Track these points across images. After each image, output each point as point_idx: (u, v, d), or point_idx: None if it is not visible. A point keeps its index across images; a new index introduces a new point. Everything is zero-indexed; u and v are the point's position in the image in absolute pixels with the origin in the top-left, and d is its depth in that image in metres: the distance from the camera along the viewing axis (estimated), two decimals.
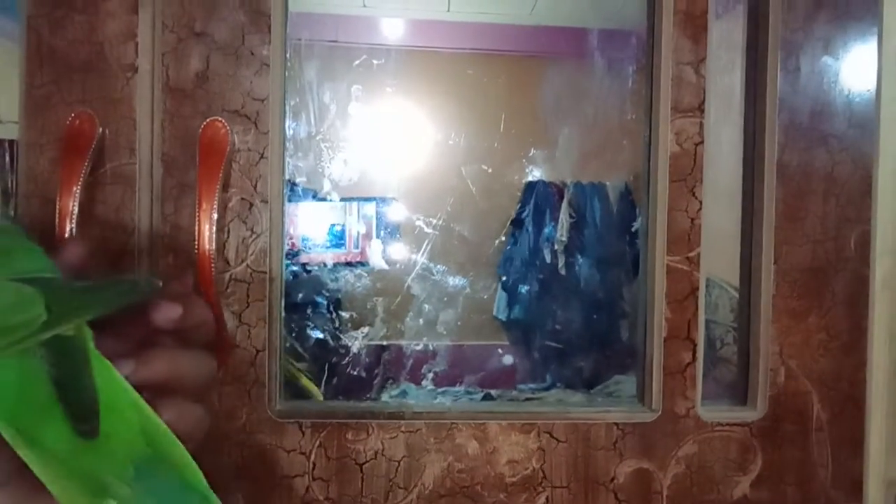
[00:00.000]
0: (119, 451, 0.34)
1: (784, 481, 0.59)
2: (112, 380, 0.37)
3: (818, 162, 0.58)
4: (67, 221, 0.50)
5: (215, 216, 0.53)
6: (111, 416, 0.35)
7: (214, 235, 0.52)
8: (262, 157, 0.55)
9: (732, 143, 0.61)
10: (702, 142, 0.58)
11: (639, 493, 0.58)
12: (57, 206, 0.50)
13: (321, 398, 0.59)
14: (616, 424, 0.58)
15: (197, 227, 0.52)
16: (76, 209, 0.50)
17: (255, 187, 0.55)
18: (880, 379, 0.59)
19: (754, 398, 0.59)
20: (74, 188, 0.51)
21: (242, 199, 0.55)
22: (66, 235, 0.51)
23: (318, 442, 0.56)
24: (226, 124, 0.54)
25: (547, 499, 0.57)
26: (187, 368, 0.47)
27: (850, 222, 0.59)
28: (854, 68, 0.58)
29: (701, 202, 0.58)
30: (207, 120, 0.54)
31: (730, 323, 0.67)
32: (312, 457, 0.56)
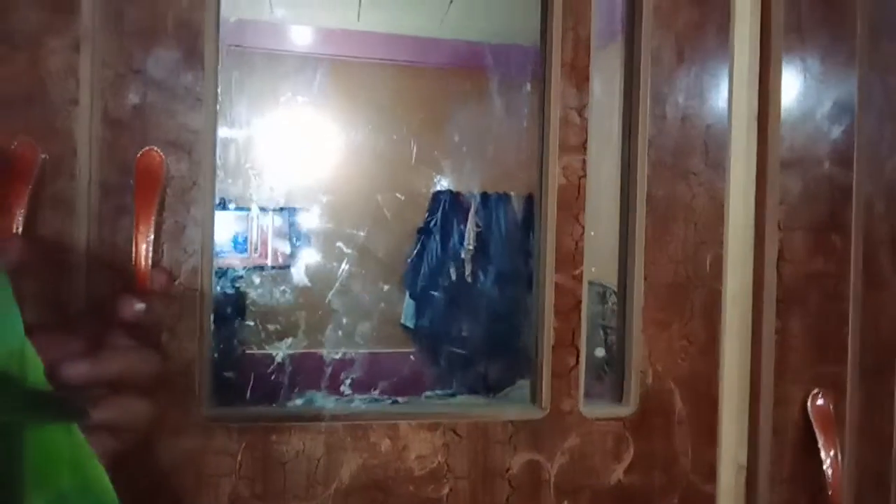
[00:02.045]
0: (45, 482, 0.38)
1: (652, 468, 0.68)
2: None
3: (680, 194, 0.69)
4: None
5: (151, 237, 0.58)
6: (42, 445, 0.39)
7: (151, 255, 0.57)
8: (194, 184, 0.61)
9: (612, 176, 0.70)
10: (584, 175, 0.67)
11: (529, 481, 0.66)
12: None
13: None
14: (511, 421, 0.66)
15: (134, 247, 0.57)
16: (20, 230, 0.54)
17: (188, 211, 0.61)
18: (732, 379, 0.70)
19: (627, 396, 0.69)
20: (17, 211, 0.55)
21: (176, 221, 0.61)
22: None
23: (244, 444, 0.62)
24: (161, 153, 0.60)
25: (450, 489, 0.65)
26: (137, 365, 0.52)
27: (705, 245, 0.69)
28: (709, 114, 0.69)
29: (583, 227, 0.67)
30: (144, 149, 0.59)
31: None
32: (239, 457, 0.62)
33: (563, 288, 0.67)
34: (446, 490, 0.65)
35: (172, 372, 0.61)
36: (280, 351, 0.68)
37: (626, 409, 0.68)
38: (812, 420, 0.67)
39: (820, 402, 0.67)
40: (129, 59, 0.60)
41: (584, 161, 0.67)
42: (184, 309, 0.61)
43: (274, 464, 0.62)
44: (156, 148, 0.60)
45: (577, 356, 0.67)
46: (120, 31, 0.60)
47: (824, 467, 0.66)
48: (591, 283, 0.70)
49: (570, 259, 0.67)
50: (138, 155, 0.59)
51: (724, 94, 0.69)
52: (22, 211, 0.56)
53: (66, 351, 0.53)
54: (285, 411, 0.64)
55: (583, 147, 0.67)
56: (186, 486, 0.61)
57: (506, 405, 0.67)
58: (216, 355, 0.64)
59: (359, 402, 0.66)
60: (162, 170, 0.59)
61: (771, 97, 0.69)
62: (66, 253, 0.59)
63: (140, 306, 0.53)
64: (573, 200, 0.67)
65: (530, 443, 0.66)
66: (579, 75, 0.67)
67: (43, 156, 0.58)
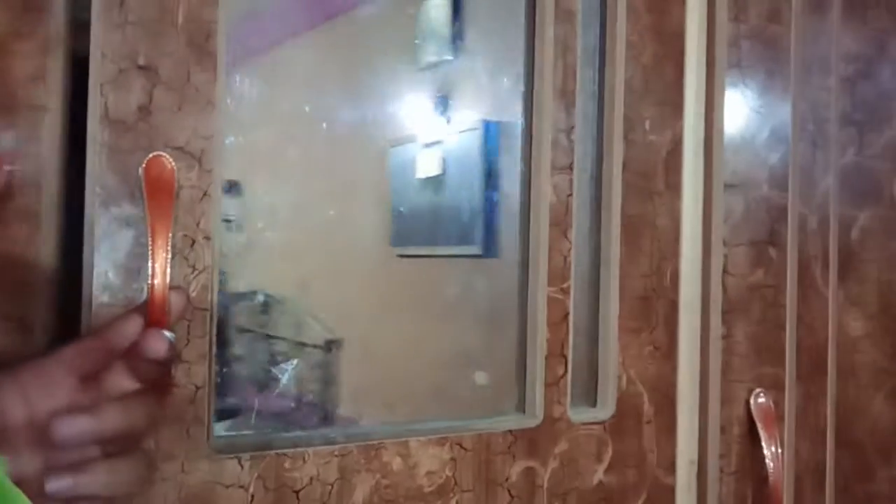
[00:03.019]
0: None
1: (626, 466, 0.74)
2: None
3: (647, 214, 0.75)
4: None
5: (169, 255, 0.52)
6: None
7: (169, 272, 0.52)
8: (205, 194, 0.56)
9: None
10: (571, 194, 0.71)
11: (526, 488, 0.69)
12: None
13: None
14: (510, 431, 0.68)
15: (150, 265, 0.51)
16: None
17: (197, 224, 0.56)
18: (685, 381, 0.77)
19: (605, 401, 0.73)
20: None
21: (185, 235, 0.55)
22: None
23: (256, 474, 0.58)
24: (171, 160, 0.54)
25: (457, 502, 0.65)
26: (144, 415, 0.47)
27: (666, 260, 0.76)
28: (668, 141, 0.76)
29: (572, 243, 0.71)
30: (151, 155, 0.54)
31: None
32: (251, 489, 0.57)
33: (554, 301, 0.70)
34: None
35: (180, 401, 0.55)
36: (287, 372, 0.64)
37: (604, 413, 0.73)
38: (755, 417, 0.76)
39: (762, 400, 0.76)
40: (134, 54, 0.54)
41: (570, 180, 0.71)
42: (192, 331, 0.55)
43: (287, 493, 0.59)
44: (164, 154, 0.54)
45: (566, 365, 0.71)
46: (122, 21, 0.53)
47: (766, 460, 0.75)
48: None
49: (560, 273, 0.70)
50: (146, 161, 0.53)
51: (679, 123, 0.77)
52: None
53: (55, 401, 0.46)
54: (298, 436, 0.60)
55: (570, 168, 0.71)
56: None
57: (505, 415, 0.69)
58: (219, 380, 0.59)
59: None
60: (174, 178, 0.54)
61: (716, 127, 0.77)
62: (33, 274, 0.52)
63: (170, 337, 0.47)
64: (562, 217, 0.70)
65: (526, 451, 0.69)
66: (567, 100, 0.71)
67: (9, 168, 0.51)
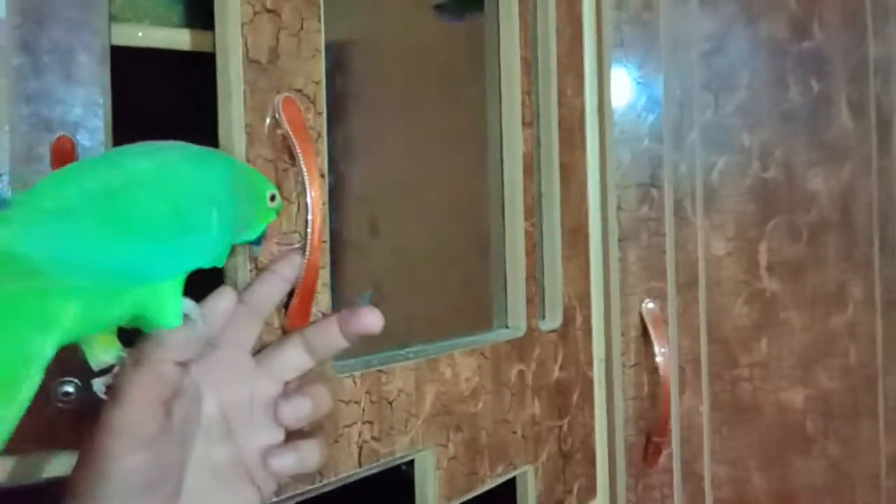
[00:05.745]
0: None
1: (569, 364, 0.92)
2: None
3: (571, 163, 0.93)
4: None
5: (325, 194, 0.56)
6: None
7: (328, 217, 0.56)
8: (319, 135, 0.60)
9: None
10: (535, 145, 0.86)
11: (519, 387, 0.83)
12: None
13: None
14: (510, 341, 0.82)
15: (311, 210, 0.55)
16: None
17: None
18: (595, 295, 0.98)
19: (554, 313, 0.91)
20: None
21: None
22: None
23: (365, 389, 0.64)
24: (298, 101, 0.58)
25: (483, 402, 0.77)
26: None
27: (582, 200, 0.96)
28: (577, 106, 0.95)
29: (535, 185, 0.86)
30: (285, 95, 0.57)
31: None
32: (362, 403, 0.64)
33: (528, 233, 0.85)
34: (481, 404, 0.77)
35: None
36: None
37: (556, 323, 0.90)
38: (646, 322, 0.99)
39: (651, 307, 0.99)
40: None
41: (533, 134, 0.86)
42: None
43: (384, 405, 0.66)
44: (292, 95, 0.58)
45: (535, 285, 0.86)
46: None
47: (656, 355, 0.98)
48: None
49: (530, 210, 0.86)
50: (282, 101, 0.56)
51: (580, 93, 0.97)
52: None
53: (240, 388, 0.50)
54: (388, 356, 0.67)
55: (531, 123, 0.86)
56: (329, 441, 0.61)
57: (505, 330, 0.82)
58: None
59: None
60: (304, 118, 0.58)
61: (606, 94, 0.98)
62: None
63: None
64: (530, 165, 0.86)
65: (518, 356, 0.83)
66: (528, 67, 0.86)
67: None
